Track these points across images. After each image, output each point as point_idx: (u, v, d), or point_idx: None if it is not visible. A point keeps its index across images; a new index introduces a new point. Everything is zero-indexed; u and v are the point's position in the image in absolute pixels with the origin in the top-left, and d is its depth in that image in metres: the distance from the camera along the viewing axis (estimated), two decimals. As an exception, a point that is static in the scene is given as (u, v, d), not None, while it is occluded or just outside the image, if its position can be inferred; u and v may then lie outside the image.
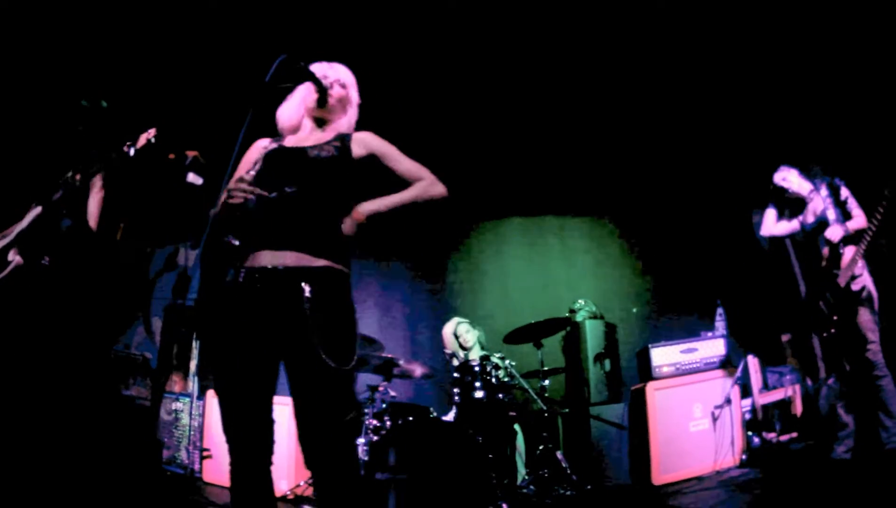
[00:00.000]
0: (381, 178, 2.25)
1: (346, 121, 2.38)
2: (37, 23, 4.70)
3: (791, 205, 4.28)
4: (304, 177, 2.12)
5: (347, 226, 2.07)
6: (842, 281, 3.86)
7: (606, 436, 4.79)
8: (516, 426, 4.65)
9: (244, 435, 1.98)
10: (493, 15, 5.27)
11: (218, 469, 4.79)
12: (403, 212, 2.16)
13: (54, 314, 3.25)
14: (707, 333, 5.11)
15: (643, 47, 5.59)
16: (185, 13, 4.91)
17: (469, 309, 6.47)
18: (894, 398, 3.70)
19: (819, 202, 4.06)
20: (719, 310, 5.29)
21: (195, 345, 5.17)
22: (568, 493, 4.10)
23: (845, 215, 3.96)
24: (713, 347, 4.83)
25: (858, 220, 3.93)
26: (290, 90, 2.38)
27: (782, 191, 4.26)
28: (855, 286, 3.83)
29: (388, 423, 4.07)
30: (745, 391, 4.98)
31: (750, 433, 4.77)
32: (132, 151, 2.84)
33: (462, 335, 5.41)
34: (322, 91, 2.27)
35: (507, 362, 4.63)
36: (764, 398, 5.03)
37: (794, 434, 4.94)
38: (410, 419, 3.89)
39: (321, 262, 2.04)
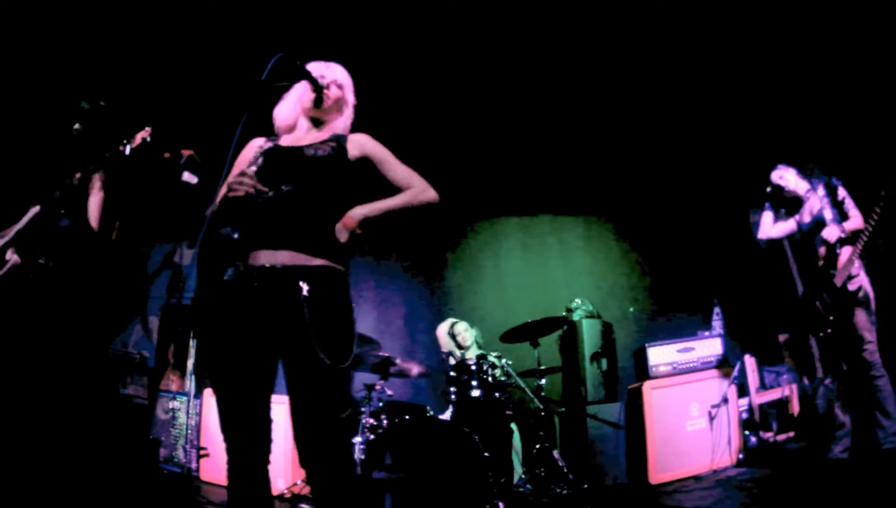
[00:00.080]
0: (376, 180, 2.25)
1: (342, 121, 2.38)
2: (35, 23, 4.69)
3: (787, 204, 4.28)
4: (300, 176, 2.12)
5: (341, 233, 2.06)
6: (838, 281, 3.86)
7: (603, 435, 4.79)
8: (513, 425, 4.64)
9: (242, 434, 1.98)
10: (489, 15, 5.26)
11: (215, 467, 4.79)
12: (395, 217, 2.16)
13: (52, 313, 3.25)
14: (704, 332, 5.11)
15: (641, 46, 5.58)
16: (182, 12, 4.90)
17: (466, 308, 6.47)
18: (891, 397, 3.70)
19: (816, 202, 4.06)
20: (716, 309, 5.29)
21: (192, 344, 5.17)
22: (565, 492, 4.10)
23: (842, 215, 3.95)
24: (710, 346, 4.83)
25: (855, 220, 3.93)
26: (286, 89, 2.37)
27: (779, 189, 4.26)
28: (851, 286, 3.83)
29: (385, 422, 4.07)
30: (742, 391, 4.99)
31: (747, 432, 4.77)
32: (128, 150, 2.84)
33: (460, 334, 5.42)
34: (318, 91, 2.26)
35: (503, 361, 4.63)
36: (761, 398, 5.04)
37: (791, 434, 4.94)
38: (407, 417, 3.89)
39: (319, 261, 2.05)
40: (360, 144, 2.25)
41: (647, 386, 4.51)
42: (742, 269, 5.95)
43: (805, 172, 4.22)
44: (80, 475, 3.13)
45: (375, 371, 4.57)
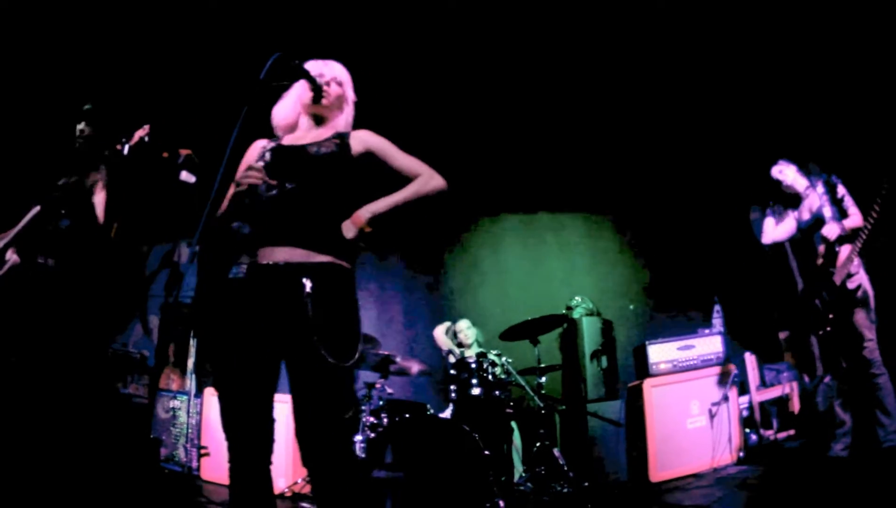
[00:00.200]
0: (381, 177, 2.24)
1: (343, 118, 2.37)
2: (35, 22, 4.69)
3: (785, 201, 4.27)
4: (304, 173, 2.12)
5: (348, 230, 2.05)
6: (837, 279, 3.85)
7: (603, 433, 4.79)
8: (513, 424, 4.65)
9: (244, 434, 1.97)
10: (488, 13, 5.26)
11: (216, 466, 4.79)
12: (404, 210, 2.14)
13: (52, 313, 3.25)
14: (704, 330, 5.10)
15: (641, 45, 5.58)
16: (180, 11, 4.90)
17: (466, 306, 6.48)
18: (891, 395, 3.70)
19: (815, 199, 4.05)
20: (717, 307, 5.28)
21: (192, 343, 5.17)
22: (565, 490, 4.10)
23: (841, 213, 3.95)
24: (710, 344, 4.83)
25: (855, 218, 3.92)
26: (284, 88, 2.36)
27: (777, 184, 4.26)
28: (850, 285, 3.83)
29: (385, 420, 4.08)
30: (743, 389, 4.99)
31: (747, 430, 4.77)
32: (126, 149, 2.83)
33: (462, 331, 5.44)
34: (316, 89, 2.26)
35: (503, 359, 4.63)
36: (761, 396, 5.04)
37: (792, 432, 4.95)
38: (407, 416, 3.90)
39: (323, 257, 2.03)
40: (363, 140, 2.24)
41: (648, 384, 4.51)
42: (742, 266, 5.94)
43: (804, 170, 4.22)
44: (81, 474, 3.13)
45: (376, 370, 4.57)
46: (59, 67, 4.80)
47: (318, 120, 2.33)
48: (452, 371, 4.34)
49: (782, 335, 5.71)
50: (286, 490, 4.55)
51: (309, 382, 1.96)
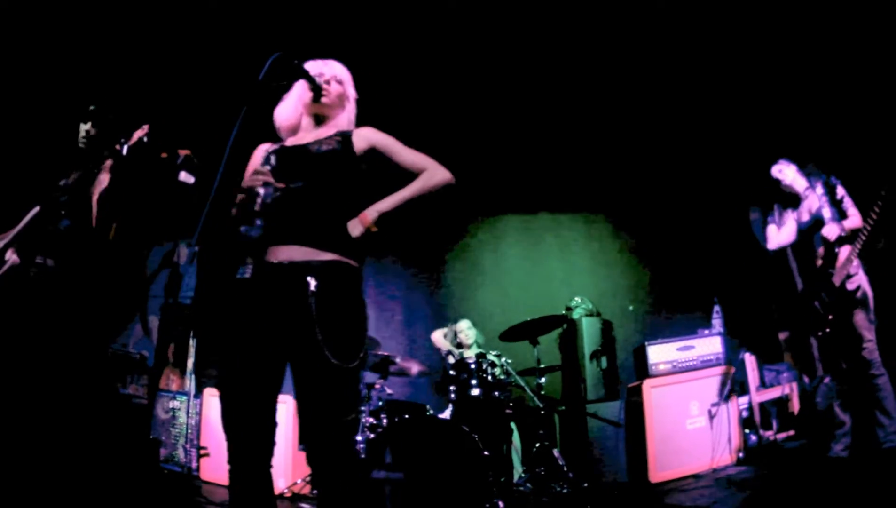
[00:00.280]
0: (386, 175, 2.23)
1: (345, 116, 2.36)
2: (35, 22, 4.69)
3: (784, 201, 4.27)
4: (307, 172, 2.11)
5: (354, 228, 2.04)
6: (837, 280, 3.85)
7: (603, 434, 4.79)
8: (512, 424, 4.65)
9: (245, 435, 1.94)
10: (488, 13, 5.26)
11: (216, 467, 4.80)
12: (412, 207, 2.11)
13: (52, 313, 3.24)
14: (704, 330, 5.11)
15: (641, 45, 5.57)
16: (179, 11, 4.90)
17: (465, 306, 6.48)
18: (891, 396, 3.70)
19: (815, 200, 4.05)
20: (716, 307, 5.28)
21: (192, 343, 5.17)
22: (564, 491, 4.10)
23: (841, 214, 3.94)
24: (710, 344, 4.83)
25: (854, 219, 3.92)
26: (284, 88, 2.36)
27: (776, 184, 4.26)
28: (850, 286, 3.83)
29: (385, 421, 4.07)
30: (742, 389, 4.98)
31: (747, 430, 4.77)
32: (125, 150, 2.83)
33: (463, 331, 5.45)
34: (316, 88, 2.25)
35: (503, 359, 4.63)
36: (761, 396, 5.03)
37: (792, 432, 4.94)
38: (407, 416, 3.90)
39: (328, 256, 2.01)
40: (366, 137, 2.22)
41: (647, 385, 4.51)
42: (742, 267, 5.94)
43: (804, 171, 4.22)
44: (81, 475, 3.13)
45: (375, 370, 4.57)
46: (58, 68, 4.79)
47: (320, 119, 2.32)
48: (452, 372, 4.34)
49: (782, 336, 5.71)
50: (286, 490, 4.55)
51: (311, 382, 1.94)
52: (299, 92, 2.33)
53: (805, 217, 4.13)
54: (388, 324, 6.63)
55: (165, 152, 2.82)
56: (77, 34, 4.80)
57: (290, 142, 2.29)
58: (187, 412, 4.98)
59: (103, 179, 3.16)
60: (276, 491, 4.20)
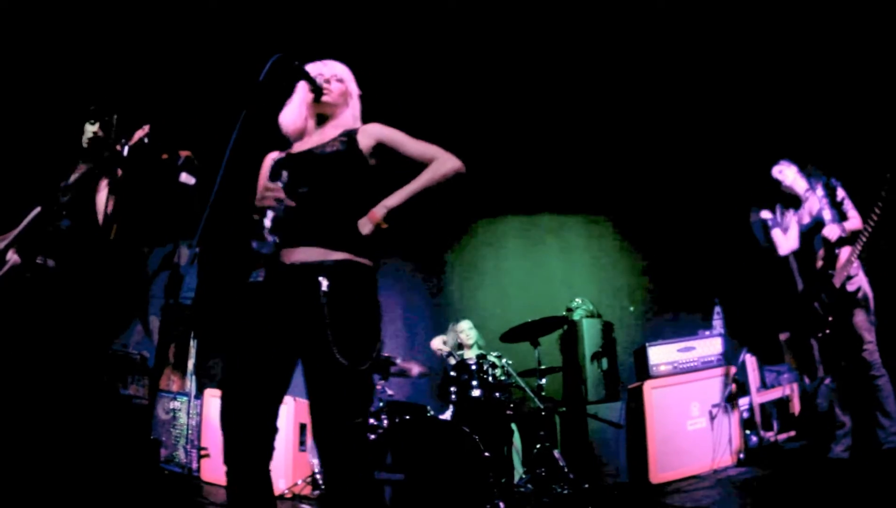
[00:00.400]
0: (396, 167, 2.22)
1: (350, 113, 2.35)
2: (35, 22, 4.70)
3: (785, 201, 4.27)
4: (314, 175, 2.11)
5: (364, 226, 2.03)
6: (837, 282, 3.85)
7: (604, 435, 4.79)
8: (513, 425, 4.65)
9: (243, 436, 1.92)
10: (489, 14, 5.26)
11: (216, 468, 4.79)
12: (422, 199, 2.09)
13: (52, 313, 3.25)
14: (705, 331, 5.10)
15: (642, 46, 5.58)
16: (180, 12, 4.90)
17: (466, 307, 6.48)
18: (891, 397, 3.70)
19: (815, 202, 4.05)
20: (717, 309, 5.29)
21: (193, 344, 5.17)
22: (565, 492, 4.10)
23: (841, 216, 3.94)
24: (711, 345, 4.82)
25: (854, 221, 3.92)
26: (284, 90, 2.36)
27: (776, 185, 4.26)
28: (850, 287, 3.82)
29: (385, 422, 4.07)
30: (743, 390, 4.98)
31: (748, 431, 4.76)
32: (126, 150, 2.84)
33: (464, 331, 5.45)
34: (316, 89, 2.25)
35: (503, 360, 4.63)
36: (762, 397, 5.03)
37: (792, 433, 4.94)
38: (407, 417, 3.89)
39: (339, 255, 2.01)
40: (371, 133, 2.21)
41: (648, 386, 4.51)
42: (742, 268, 5.94)
43: (804, 172, 4.22)
44: (81, 475, 3.13)
45: (375, 371, 4.57)
46: (58, 68, 4.80)
47: (325, 119, 2.32)
48: (453, 373, 4.34)
49: (783, 337, 5.70)
50: (286, 491, 4.55)
51: (321, 384, 1.92)
52: (302, 95, 2.33)
53: (806, 219, 4.14)
54: (388, 325, 6.61)
55: (166, 153, 2.83)
56: (78, 35, 4.81)
57: (297, 147, 2.28)
58: (188, 413, 4.98)
59: (103, 181, 3.17)
60: (277, 492, 4.21)
